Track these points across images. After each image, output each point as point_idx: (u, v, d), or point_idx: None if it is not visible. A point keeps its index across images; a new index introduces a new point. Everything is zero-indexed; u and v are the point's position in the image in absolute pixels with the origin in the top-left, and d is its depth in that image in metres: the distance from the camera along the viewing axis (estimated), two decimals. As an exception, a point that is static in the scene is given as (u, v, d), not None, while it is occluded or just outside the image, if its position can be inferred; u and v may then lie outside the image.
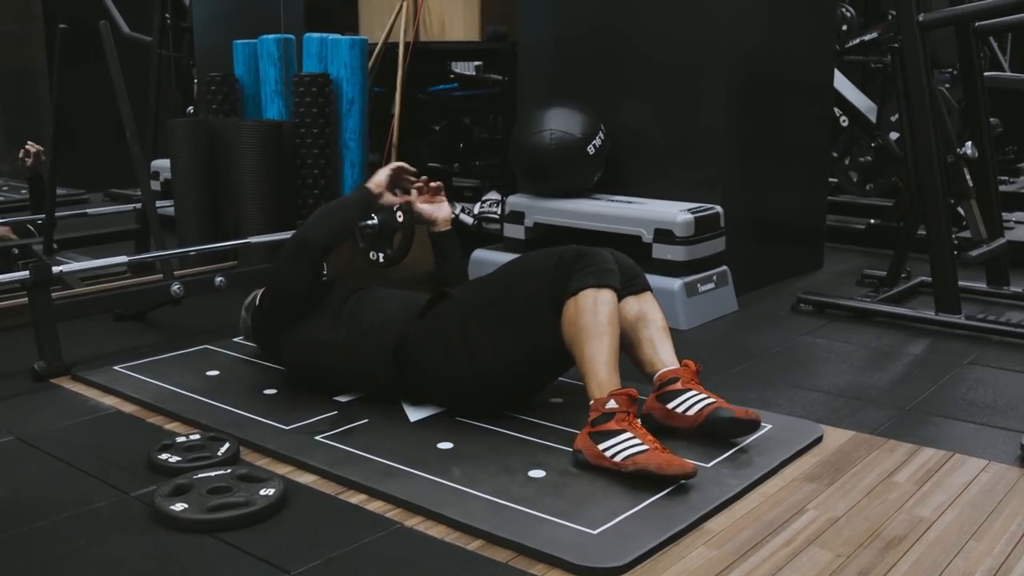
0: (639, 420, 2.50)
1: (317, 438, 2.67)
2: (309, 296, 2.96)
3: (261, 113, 4.71)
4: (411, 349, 2.80)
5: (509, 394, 2.83)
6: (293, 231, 3.99)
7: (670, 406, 2.65)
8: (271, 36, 4.64)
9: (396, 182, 3.15)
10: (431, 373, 2.80)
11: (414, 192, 3.17)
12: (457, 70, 6.18)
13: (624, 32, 4.41)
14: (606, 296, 2.56)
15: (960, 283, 4.10)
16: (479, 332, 2.71)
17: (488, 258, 4.50)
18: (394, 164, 3.13)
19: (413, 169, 3.17)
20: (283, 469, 2.52)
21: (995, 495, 2.43)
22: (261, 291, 3.22)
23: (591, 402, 2.49)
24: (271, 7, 5.29)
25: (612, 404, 2.43)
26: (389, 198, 3.13)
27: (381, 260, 3.40)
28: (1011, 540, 2.20)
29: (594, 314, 2.53)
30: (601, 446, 2.41)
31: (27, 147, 5.13)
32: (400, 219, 3.22)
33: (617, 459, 2.38)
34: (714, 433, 2.61)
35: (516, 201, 4.47)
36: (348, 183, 4.60)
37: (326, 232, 2.97)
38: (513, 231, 4.42)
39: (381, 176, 3.09)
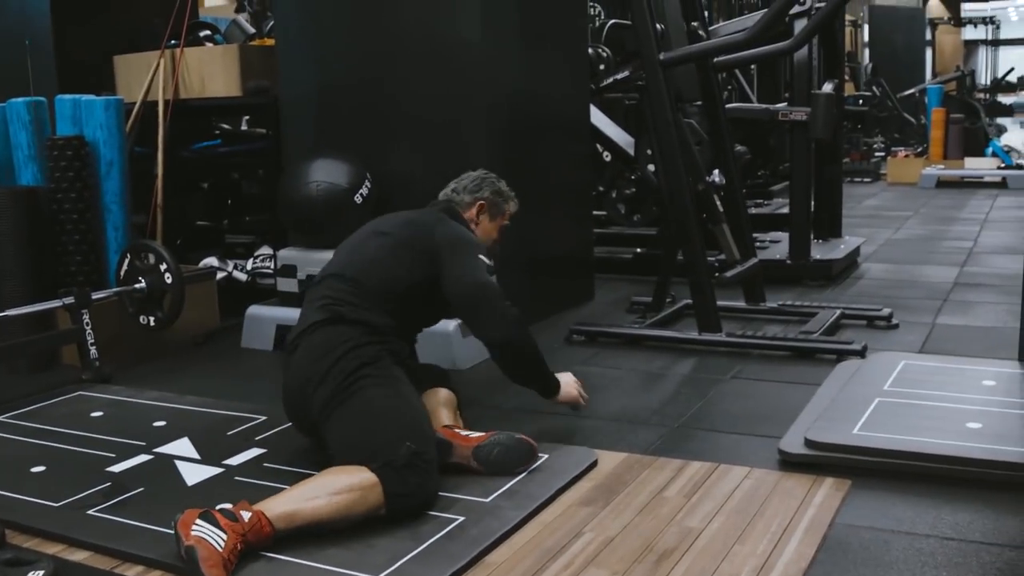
0: None
1: (89, 512, 2.59)
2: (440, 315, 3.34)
3: (14, 180, 4.52)
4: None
5: None
6: (59, 299, 3.91)
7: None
8: (20, 99, 4.47)
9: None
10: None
11: None
12: (230, 126, 6.10)
13: (382, 86, 4.46)
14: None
15: (723, 303, 4.34)
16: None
17: (264, 314, 4.46)
18: (584, 399, 3.28)
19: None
20: (54, 548, 2.43)
21: (757, 499, 2.59)
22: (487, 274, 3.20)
23: None
24: (20, 69, 5.11)
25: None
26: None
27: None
28: (772, 539, 2.35)
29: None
30: None
31: None
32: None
33: None
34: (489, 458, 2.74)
35: (287, 255, 4.44)
36: (112, 247, 4.47)
37: (526, 368, 3.15)
38: (287, 285, 4.39)
39: (574, 393, 3.24)
